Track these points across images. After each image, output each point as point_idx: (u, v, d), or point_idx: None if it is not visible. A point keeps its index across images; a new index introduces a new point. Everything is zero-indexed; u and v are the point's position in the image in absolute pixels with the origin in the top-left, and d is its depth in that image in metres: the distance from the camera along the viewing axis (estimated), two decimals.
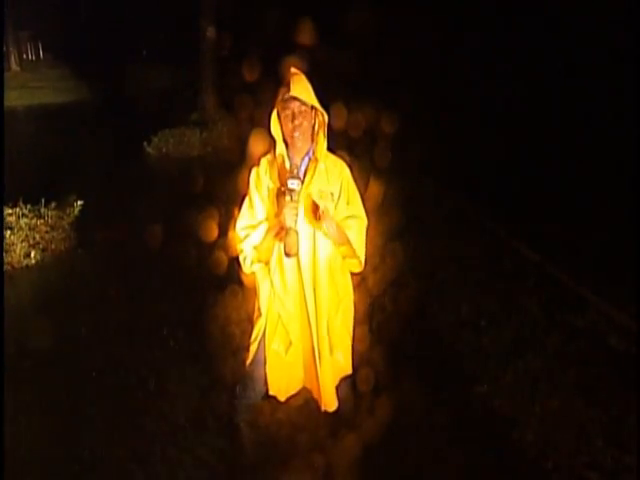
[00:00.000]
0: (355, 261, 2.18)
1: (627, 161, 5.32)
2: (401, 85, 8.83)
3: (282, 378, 2.24)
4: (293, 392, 2.30)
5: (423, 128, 7.62)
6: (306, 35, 7.98)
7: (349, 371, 2.30)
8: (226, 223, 2.55)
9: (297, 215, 2.00)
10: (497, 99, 7.70)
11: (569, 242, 4.56)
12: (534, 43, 7.70)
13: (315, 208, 2.04)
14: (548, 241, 4.63)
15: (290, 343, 2.18)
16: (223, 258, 3.33)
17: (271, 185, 2.12)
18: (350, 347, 2.29)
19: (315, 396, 2.27)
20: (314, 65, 3.83)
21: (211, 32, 10.07)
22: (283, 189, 2.01)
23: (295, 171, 2.02)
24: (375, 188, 4.39)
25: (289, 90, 2.00)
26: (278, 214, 2.04)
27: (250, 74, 7.78)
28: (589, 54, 6.75)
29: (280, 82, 2.09)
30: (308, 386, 2.27)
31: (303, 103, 2.03)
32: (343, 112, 3.82)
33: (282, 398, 2.28)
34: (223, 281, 3.57)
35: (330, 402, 2.24)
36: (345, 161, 2.20)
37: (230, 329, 3.27)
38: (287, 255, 2.05)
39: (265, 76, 6.86)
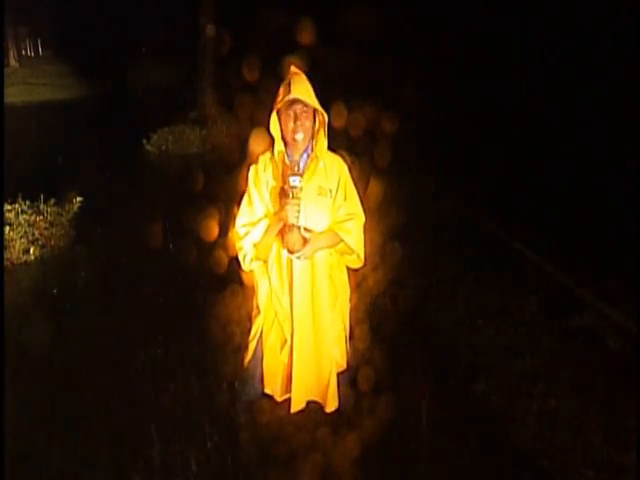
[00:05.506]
0: (353, 257, 2.20)
1: (626, 160, 5.33)
2: (401, 85, 8.83)
3: (277, 376, 2.25)
4: (289, 396, 2.31)
5: (423, 128, 7.63)
6: (306, 34, 7.96)
7: (344, 366, 2.32)
8: (226, 221, 2.56)
9: (299, 212, 2.00)
10: (497, 98, 7.70)
11: (567, 242, 4.58)
12: (535, 42, 7.70)
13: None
14: (547, 241, 4.64)
15: (285, 341, 2.20)
16: (223, 256, 3.33)
17: (271, 182, 2.13)
18: (344, 342, 2.30)
19: (317, 398, 2.28)
20: (314, 64, 3.83)
21: (211, 30, 10.06)
22: (285, 186, 2.01)
23: (296, 168, 2.03)
24: (375, 187, 4.41)
25: (290, 91, 1.99)
26: (279, 211, 2.04)
27: (250, 72, 7.77)
28: (591, 53, 6.75)
29: (280, 81, 2.09)
30: (308, 387, 2.27)
31: (305, 104, 2.03)
32: (343, 111, 3.82)
33: (278, 398, 2.29)
34: (223, 279, 3.58)
35: (332, 400, 2.25)
36: (344, 160, 2.21)
37: (230, 328, 3.28)
38: (290, 252, 2.06)
39: (265, 74, 6.85)
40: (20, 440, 2.53)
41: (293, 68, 2.10)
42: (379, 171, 5.15)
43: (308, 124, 2.06)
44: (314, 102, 2.03)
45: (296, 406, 2.24)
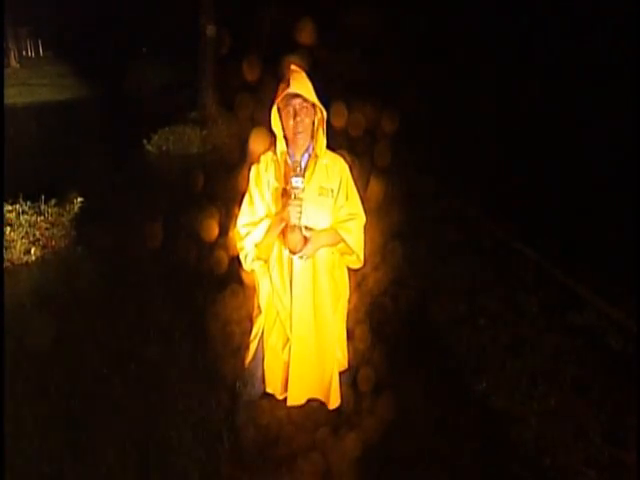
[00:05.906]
0: (353, 257, 2.20)
1: (626, 159, 5.34)
2: (401, 85, 8.84)
3: (279, 375, 2.25)
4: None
5: (423, 128, 7.64)
6: (306, 34, 7.97)
7: (345, 365, 2.32)
8: (226, 221, 2.55)
9: (301, 212, 1.99)
10: (497, 98, 7.70)
11: (568, 241, 4.58)
12: (534, 41, 7.70)
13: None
14: (547, 240, 4.65)
15: (287, 340, 2.20)
16: (223, 256, 3.33)
17: (273, 182, 2.12)
18: (345, 342, 2.31)
19: (319, 396, 2.28)
20: (314, 64, 3.83)
21: (211, 30, 10.05)
22: (287, 187, 2.01)
23: (298, 169, 2.01)
24: (375, 187, 4.41)
25: (289, 86, 1.99)
26: (281, 211, 2.04)
27: (250, 72, 7.78)
28: (589, 52, 6.75)
29: (280, 80, 2.09)
30: (308, 384, 2.28)
31: (305, 99, 2.03)
32: (343, 111, 3.83)
33: (280, 397, 2.30)
34: (223, 279, 3.58)
35: (334, 398, 2.26)
36: (345, 159, 2.21)
37: (231, 328, 3.28)
38: (292, 252, 2.06)
39: (265, 74, 6.86)
40: (20, 440, 2.53)
41: (293, 66, 2.10)
42: (379, 171, 5.15)
43: (308, 120, 2.06)
44: (312, 97, 2.03)
45: (292, 400, 2.24)
